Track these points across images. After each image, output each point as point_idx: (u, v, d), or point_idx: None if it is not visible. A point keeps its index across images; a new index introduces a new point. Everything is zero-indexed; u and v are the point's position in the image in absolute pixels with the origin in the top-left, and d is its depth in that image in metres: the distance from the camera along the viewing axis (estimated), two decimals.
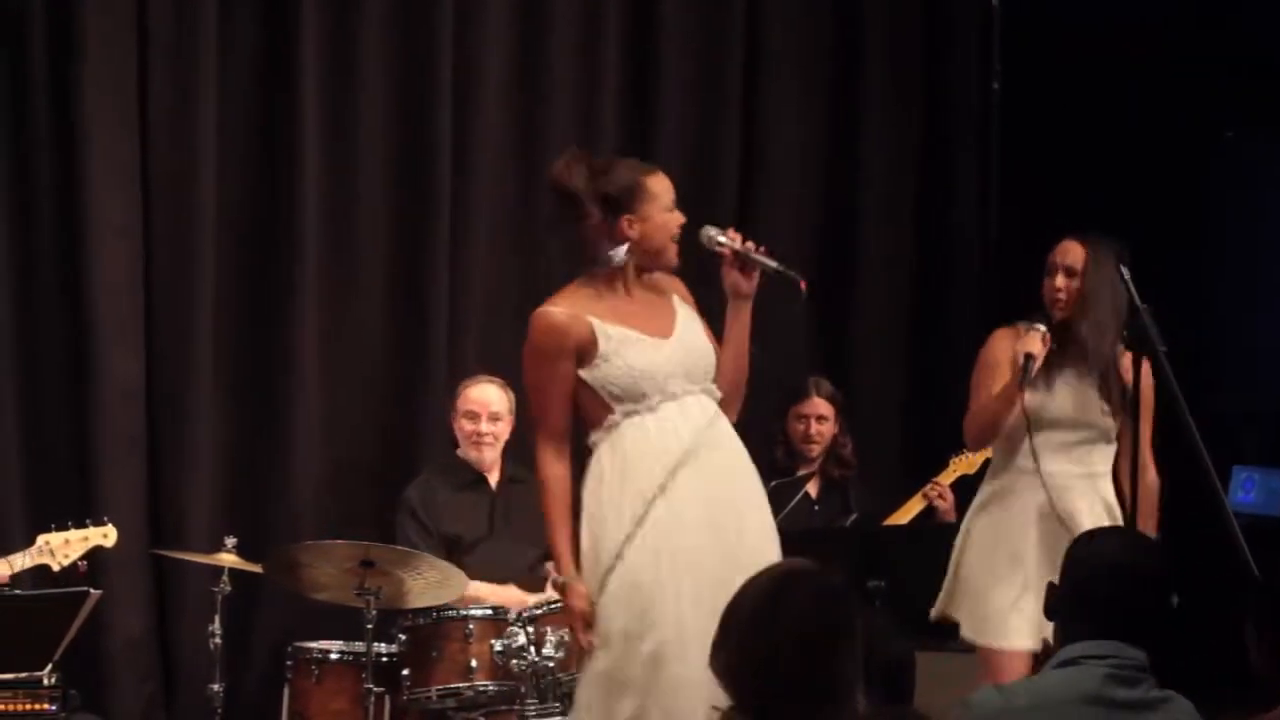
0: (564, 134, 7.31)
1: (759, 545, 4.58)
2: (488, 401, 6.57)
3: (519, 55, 7.32)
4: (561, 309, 4.69)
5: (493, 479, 6.62)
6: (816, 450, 6.97)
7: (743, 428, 4.77)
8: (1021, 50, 7.63)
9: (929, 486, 6.85)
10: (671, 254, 4.74)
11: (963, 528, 5.63)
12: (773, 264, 4.71)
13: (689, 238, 4.74)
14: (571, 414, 4.68)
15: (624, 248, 4.70)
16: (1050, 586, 3.46)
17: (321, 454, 6.97)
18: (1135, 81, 7.36)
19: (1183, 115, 7.27)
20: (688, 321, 4.75)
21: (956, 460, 6.80)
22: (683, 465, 4.58)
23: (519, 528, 6.54)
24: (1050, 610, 3.46)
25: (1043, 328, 5.44)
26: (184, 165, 6.79)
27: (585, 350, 4.63)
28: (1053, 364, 5.47)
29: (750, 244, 4.74)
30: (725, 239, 4.73)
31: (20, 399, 6.57)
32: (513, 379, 6.64)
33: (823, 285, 4.84)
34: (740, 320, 4.76)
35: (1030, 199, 7.37)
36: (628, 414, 4.63)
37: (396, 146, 7.11)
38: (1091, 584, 3.38)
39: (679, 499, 4.56)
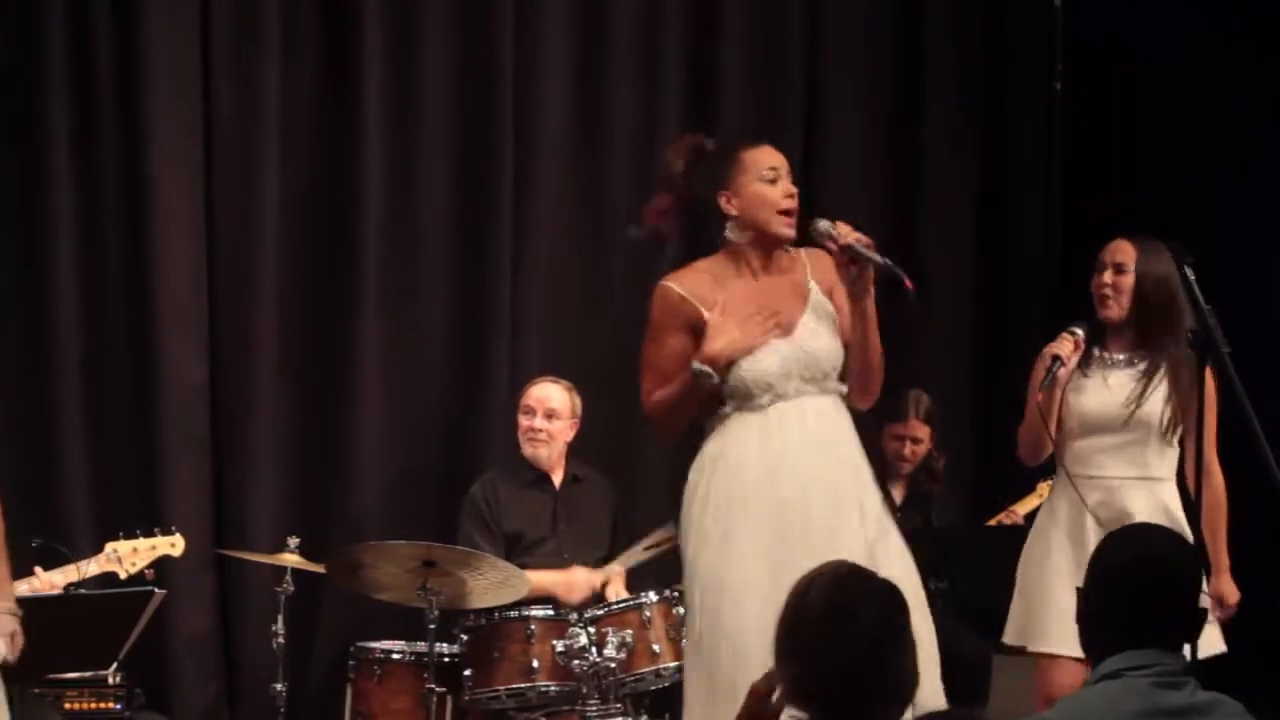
0: (625, 137, 7.34)
1: (859, 552, 4.51)
2: (545, 398, 6.58)
3: (580, 58, 7.33)
4: (681, 287, 4.69)
5: (556, 478, 6.63)
6: (908, 469, 6.95)
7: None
8: (1083, 53, 7.59)
9: (1004, 514, 6.80)
10: (777, 226, 4.69)
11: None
12: (879, 259, 4.63)
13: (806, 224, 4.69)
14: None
15: (732, 226, 4.68)
16: (1078, 591, 3.37)
17: (384, 455, 6.99)
18: (1199, 83, 7.31)
19: (1247, 118, 7.21)
20: (818, 314, 4.70)
21: (1044, 485, 6.70)
22: (779, 470, 4.58)
23: (581, 527, 6.55)
24: (1079, 615, 3.37)
25: (1079, 331, 5.40)
26: (248, 167, 6.83)
27: (701, 334, 4.63)
28: (1103, 364, 5.44)
29: (860, 237, 4.64)
30: (833, 232, 4.64)
31: (86, 399, 6.61)
32: (575, 380, 6.68)
33: (881, 297, 4.77)
34: (859, 314, 4.68)
35: (1093, 205, 7.31)
36: (738, 409, 4.64)
37: (458, 148, 7.13)
38: (1121, 587, 3.29)
39: (772, 505, 4.56)
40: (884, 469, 6.91)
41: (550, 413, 6.57)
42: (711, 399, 4.67)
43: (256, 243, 6.84)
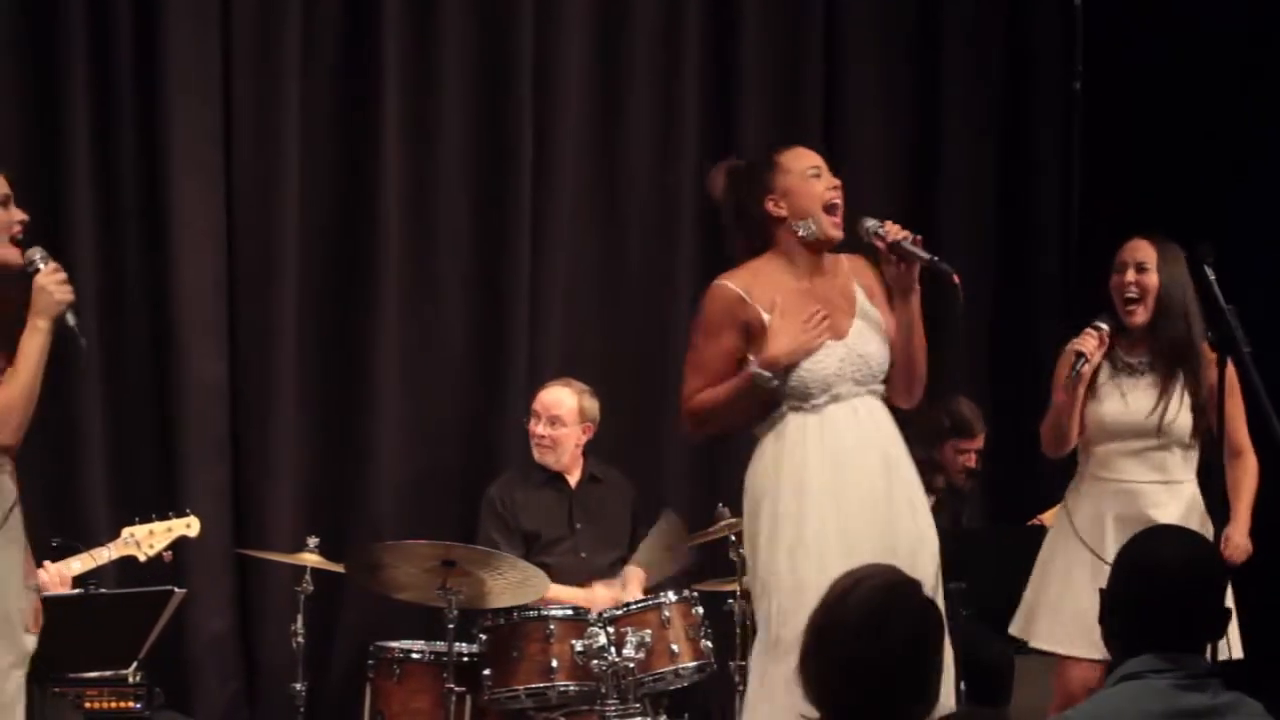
0: (644, 137, 7.34)
1: (911, 549, 4.58)
2: (551, 404, 6.57)
3: (599, 57, 7.33)
4: (739, 286, 4.68)
5: (572, 479, 6.63)
6: (962, 479, 6.92)
7: None
8: (1103, 53, 7.57)
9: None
10: (826, 228, 4.68)
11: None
12: (926, 255, 4.63)
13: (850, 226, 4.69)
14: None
15: (783, 229, 4.67)
16: (1101, 593, 3.33)
17: (403, 455, 7.00)
18: (1219, 83, 7.30)
19: (1270, 117, 7.20)
20: (865, 318, 4.71)
21: None
22: (840, 469, 4.59)
23: (598, 528, 6.55)
24: (1101, 616, 3.32)
25: (1104, 326, 5.38)
26: (267, 170, 6.84)
27: (755, 336, 4.63)
28: (1120, 370, 5.42)
29: (907, 234, 4.64)
30: (881, 230, 4.65)
31: (106, 400, 6.62)
32: (594, 381, 6.67)
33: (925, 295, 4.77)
34: (905, 313, 4.69)
35: (1112, 206, 7.30)
36: (794, 409, 4.64)
37: (477, 151, 7.13)
38: (1144, 590, 3.24)
39: (829, 505, 4.57)
40: (948, 481, 6.90)
41: (555, 419, 6.56)
42: (765, 403, 4.66)
43: (276, 244, 6.85)
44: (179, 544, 6.00)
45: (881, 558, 4.38)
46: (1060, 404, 5.37)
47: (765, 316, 4.64)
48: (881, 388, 4.74)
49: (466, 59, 7.11)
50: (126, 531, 5.90)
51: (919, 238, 4.67)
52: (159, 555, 5.90)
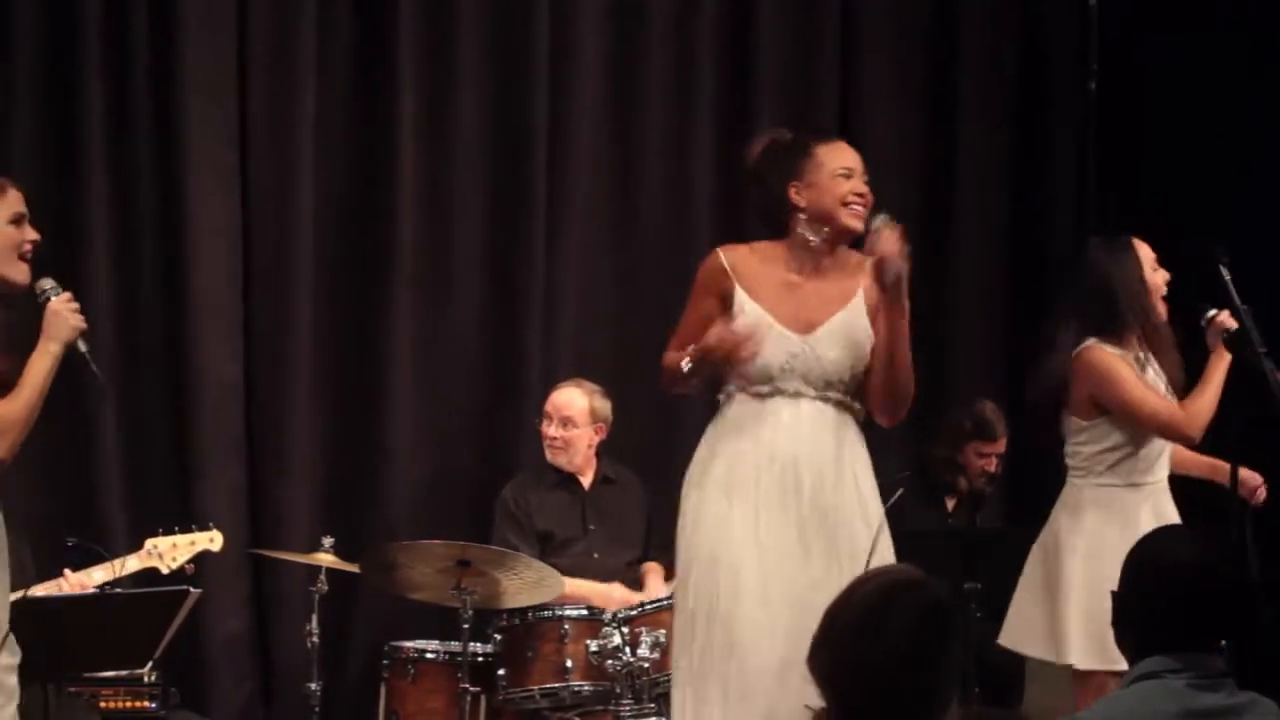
0: (658, 135, 7.33)
1: (828, 566, 4.52)
2: (562, 405, 6.57)
3: (613, 55, 7.32)
4: (727, 258, 4.67)
5: (585, 480, 6.63)
6: (982, 483, 6.91)
7: None
8: (1118, 54, 7.56)
9: None
10: (842, 219, 4.61)
11: (1055, 548, 5.46)
12: (894, 272, 4.55)
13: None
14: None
15: (799, 220, 4.64)
16: (1113, 595, 3.30)
17: (418, 455, 7.00)
18: (1235, 83, 7.28)
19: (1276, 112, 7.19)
20: (846, 325, 4.64)
21: None
22: (768, 469, 4.57)
23: (612, 528, 6.55)
24: (1115, 619, 3.30)
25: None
26: (282, 170, 6.85)
27: (727, 306, 4.63)
28: (1143, 364, 5.42)
29: (898, 260, 4.54)
30: (881, 235, 4.55)
31: (121, 400, 6.63)
32: (608, 381, 6.67)
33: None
34: (887, 322, 4.59)
35: (1129, 206, 7.29)
36: (740, 389, 4.64)
37: (492, 150, 7.13)
38: (1156, 589, 3.21)
39: (751, 503, 4.57)
40: (954, 480, 6.88)
41: (566, 420, 6.56)
42: (710, 378, 4.66)
43: (291, 244, 6.86)
44: (201, 552, 6.01)
45: (812, 542, 4.43)
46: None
47: (740, 294, 4.62)
48: (841, 398, 4.64)
49: (481, 58, 7.11)
50: (150, 543, 5.91)
51: (901, 269, 4.54)
52: (180, 567, 5.91)
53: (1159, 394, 5.34)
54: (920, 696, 2.90)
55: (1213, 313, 5.30)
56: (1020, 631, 5.47)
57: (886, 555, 4.56)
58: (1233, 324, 5.25)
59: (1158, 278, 5.42)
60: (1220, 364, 5.29)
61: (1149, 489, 5.39)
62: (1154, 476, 5.40)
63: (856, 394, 4.68)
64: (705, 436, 4.74)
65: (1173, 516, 5.34)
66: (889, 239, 4.53)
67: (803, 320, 4.62)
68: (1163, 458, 5.42)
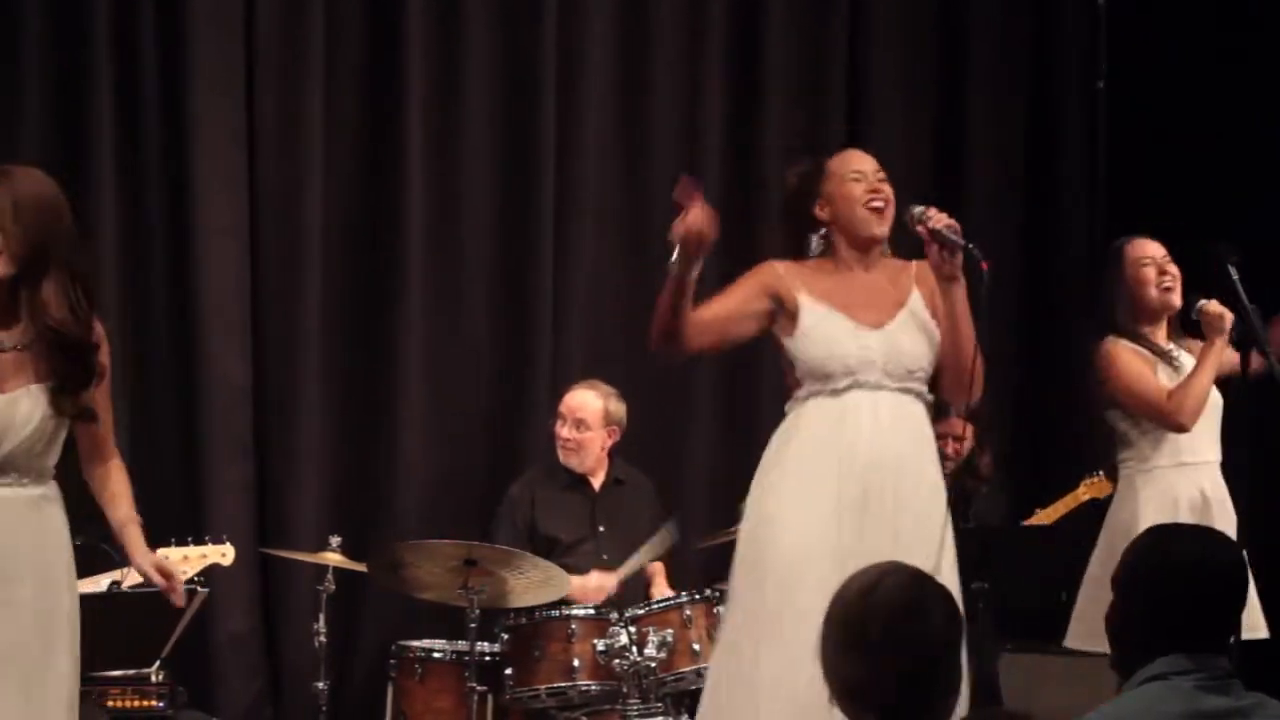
0: (668, 131, 7.34)
1: (913, 547, 4.45)
2: (576, 407, 6.58)
3: (622, 59, 7.34)
4: (785, 267, 4.69)
5: (596, 481, 6.63)
6: (950, 467, 6.88)
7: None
8: (1127, 52, 7.56)
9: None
10: (867, 224, 4.65)
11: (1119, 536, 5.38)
12: (961, 241, 4.57)
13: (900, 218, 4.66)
14: (719, 334, 4.67)
15: (830, 234, 4.67)
16: (1114, 596, 3.26)
17: (426, 455, 7.01)
18: (1243, 82, 7.28)
19: None
20: (913, 317, 4.67)
21: (1088, 483, 6.59)
22: (849, 469, 4.55)
23: (621, 530, 6.54)
24: (1109, 615, 3.27)
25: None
26: (292, 172, 6.86)
27: (787, 311, 4.62)
28: (1164, 355, 5.43)
29: (950, 222, 4.57)
30: (925, 215, 4.58)
31: (130, 400, 6.63)
32: (619, 383, 6.67)
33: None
34: (949, 301, 4.61)
35: (1137, 203, 7.29)
36: (813, 394, 4.63)
37: (500, 151, 7.15)
38: (1160, 591, 3.18)
39: (833, 505, 4.54)
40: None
41: (580, 422, 6.56)
42: (794, 381, 4.64)
43: (300, 245, 6.87)
44: (211, 566, 6.01)
45: (883, 541, 4.41)
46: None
47: (804, 297, 4.63)
48: (920, 388, 4.68)
49: (490, 60, 7.13)
50: (161, 553, 5.91)
51: (959, 226, 4.60)
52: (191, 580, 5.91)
53: (1154, 382, 5.37)
54: (947, 681, 2.93)
55: (1202, 303, 5.34)
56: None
57: (951, 548, 4.58)
58: (1218, 309, 5.30)
59: (1148, 272, 5.43)
60: (1211, 353, 5.32)
61: (1191, 469, 5.39)
62: (1194, 457, 5.40)
63: (929, 385, 4.72)
64: (777, 438, 4.70)
65: (1222, 498, 5.33)
66: (936, 214, 4.58)
67: (871, 318, 4.65)
68: (1206, 435, 5.40)
